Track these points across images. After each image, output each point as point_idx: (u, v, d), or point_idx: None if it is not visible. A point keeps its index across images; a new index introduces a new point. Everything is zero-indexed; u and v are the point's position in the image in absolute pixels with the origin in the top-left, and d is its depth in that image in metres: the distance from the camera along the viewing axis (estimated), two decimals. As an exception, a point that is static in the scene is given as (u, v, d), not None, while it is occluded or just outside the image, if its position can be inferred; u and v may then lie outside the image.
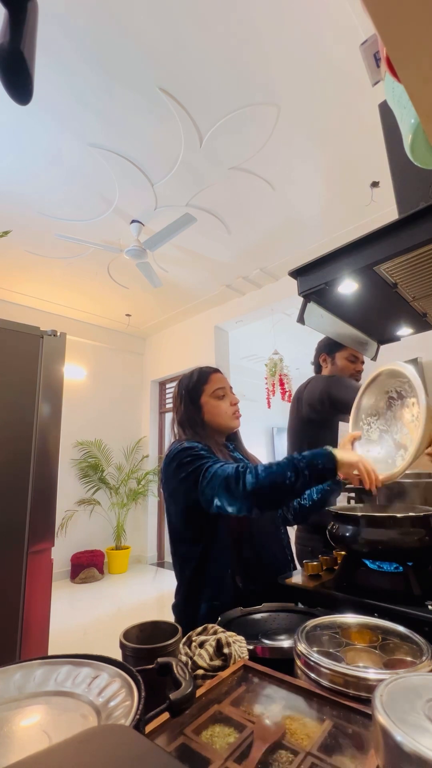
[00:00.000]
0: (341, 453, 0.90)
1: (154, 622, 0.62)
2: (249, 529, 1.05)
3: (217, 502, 0.89)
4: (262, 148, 2.47)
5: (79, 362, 5.06)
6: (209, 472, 0.92)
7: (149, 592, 3.95)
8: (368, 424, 1.05)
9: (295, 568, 1.15)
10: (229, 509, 0.88)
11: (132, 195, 2.85)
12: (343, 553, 0.99)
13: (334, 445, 1.35)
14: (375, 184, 2.78)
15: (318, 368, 1.81)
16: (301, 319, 1.06)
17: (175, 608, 1.04)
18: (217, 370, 1.20)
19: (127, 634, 0.58)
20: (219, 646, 0.61)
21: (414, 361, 2.81)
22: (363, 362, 1.71)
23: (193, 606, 0.97)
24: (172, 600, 1.06)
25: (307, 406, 1.63)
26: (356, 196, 2.90)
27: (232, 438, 1.22)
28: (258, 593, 0.96)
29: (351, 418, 1.09)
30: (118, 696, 0.38)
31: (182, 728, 0.46)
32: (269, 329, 5.00)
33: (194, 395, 1.12)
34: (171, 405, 1.23)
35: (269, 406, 4.66)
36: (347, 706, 0.47)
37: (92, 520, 4.82)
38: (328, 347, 1.74)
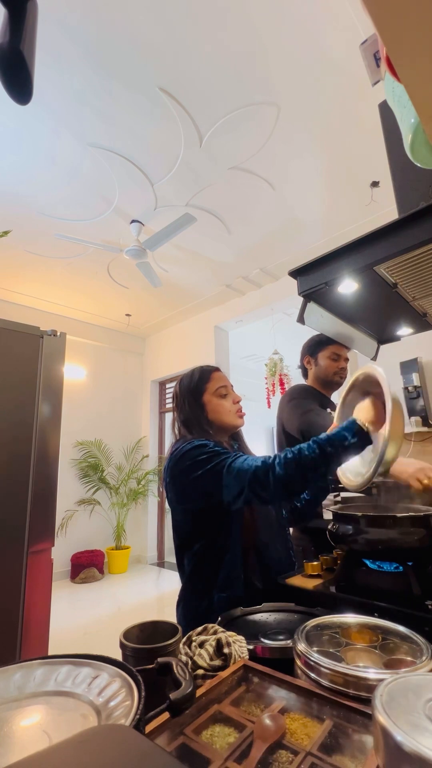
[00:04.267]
0: (363, 416, 0.89)
1: (154, 622, 0.62)
2: (256, 529, 1.05)
3: (247, 494, 0.88)
4: (262, 148, 2.47)
5: (79, 362, 5.06)
6: (234, 466, 0.90)
7: (149, 592, 3.95)
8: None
9: (299, 567, 1.16)
10: (260, 501, 0.88)
11: (132, 195, 2.85)
12: (343, 552, 0.99)
13: None
14: (375, 184, 2.78)
15: (304, 371, 1.82)
16: (301, 319, 1.06)
17: (181, 604, 1.03)
18: (217, 369, 1.19)
19: (127, 634, 0.58)
20: (219, 646, 0.61)
21: (414, 361, 2.81)
22: (347, 359, 1.72)
23: (202, 600, 0.97)
24: (172, 600, 1.05)
25: (289, 434, 1.63)
26: (356, 196, 2.90)
27: (235, 437, 1.21)
28: (264, 591, 0.97)
29: (336, 415, 1.11)
30: (118, 696, 0.38)
31: (182, 728, 0.46)
32: (269, 329, 5.00)
33: (196, 394, 1.11)
34: (171, 405, 1.22)
35: (269, 406, 4.65)
36: (347, 706, 0.47)
37: (92, 520, 4.82)
38: (311, 348, 1.76)
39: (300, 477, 0.85)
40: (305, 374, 1.81)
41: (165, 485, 1.07)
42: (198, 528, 1.01)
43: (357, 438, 0.86)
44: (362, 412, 0.92)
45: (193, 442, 1.00)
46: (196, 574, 1.01)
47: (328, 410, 1.58)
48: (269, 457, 0.90)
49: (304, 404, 1.58)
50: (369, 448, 0.91)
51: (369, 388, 1.02)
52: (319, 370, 1.71)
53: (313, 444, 0.87)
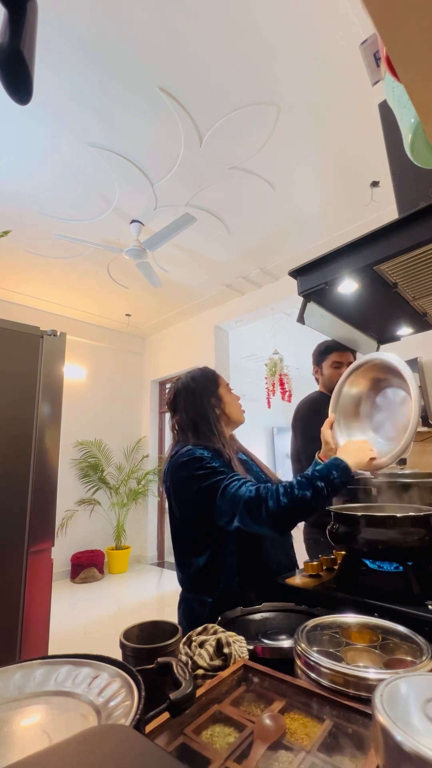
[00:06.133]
0: (351, 458, 0.92)
1: (154, 622, 0.62)
2: (258, 538, 1.05)
3: (237, 522, 0.89)
4: (262, 148, 2.47)
5: (79, 362, 5.06)
6: (228, 491, 0.90)
7: (149, 592, 3.95)
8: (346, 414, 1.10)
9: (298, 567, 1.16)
10: (250, 530, 0.89)
11: (132, 195, 2.85)
12: (343, 552, 0.99)
13: None
14: (375, 184, 2.78)
15: (316, 379, 1.93)
16: (301, 319, 1.06)
17: (182, 607, 1.04)
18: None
19: (127, 634, 0.58)
20: (219, 645, 0.61)
21: (414, 361, 2.80)
22: (349, 363, 1.76)
23: (204, 607, 0.97)
24: (172, 600, 1.06)
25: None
26: (356, 196, 2.90)
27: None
28: (264, 591, 0.97)
29: (331, 402, 1.14)
30: (118, 696, 0.38)
31: (182, 728, 0.46)
32: (269, 329, 5.00)
33: (213, 388, 1.14)
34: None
35: (269, 406, 4.66)
36: (347, 706, 0.47)
37: (92, 520, 4.82)
38: (316, 358, 1.87)
39: (291, 512, 0.86)
40: (317, 380, 1.93)
41: (165, 489, 1.07)
42: (198, 538, 1.01)
43: (346, 479, 0.90)
44: (352, 455, 0.94)
45: (192, 452, 0.99)
46: (196, 582, 1.02)
47: None
48: (264, 487, 0.89)
49: (309, 429, 1.65)
50: (370, 431, 0.96)
51: (379, 375, 1.03)
52: (325, 379, 1.82)
53: (306, 481, 0.88)
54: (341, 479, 0.89)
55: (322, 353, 1.82)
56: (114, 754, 0.26)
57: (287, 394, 4.30)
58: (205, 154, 2.51)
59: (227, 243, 3.49)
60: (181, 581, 1.07)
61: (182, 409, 1.13)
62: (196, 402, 1.11)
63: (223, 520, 0.91)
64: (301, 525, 1.79)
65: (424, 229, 0.79)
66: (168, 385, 5.68)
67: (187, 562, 1.04)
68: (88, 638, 2.87)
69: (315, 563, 1.00)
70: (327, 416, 1.60)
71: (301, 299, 1.04)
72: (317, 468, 0.92)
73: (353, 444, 0.98)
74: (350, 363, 1.73)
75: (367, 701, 0.43)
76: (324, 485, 0.87)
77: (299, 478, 0.90)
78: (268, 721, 0.45)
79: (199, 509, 0.96)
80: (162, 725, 0.45)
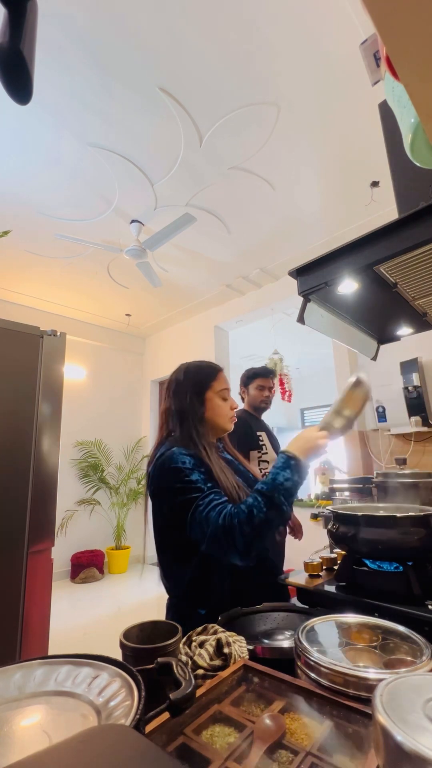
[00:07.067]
0: (301, 449, 0.90)
1: (154, 622, 0.62)
2: None
3: (205, 549, 0.87)
4: (262, 148, 2.47)
5: (79, 362, 5.05)
6: (198, 514, 0.86)
7: (149, 592, 3.95)
8: None
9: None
10: (219, 557, 0.86)
11: (132, 195, 2.85)
12: (343, 552, 0.99)
13: None
14: (375, 184, 2.78)
15: (242, 398, 2.23)
16: (301, 319, 1.06)
17: (171, 613, 1.01)
18: (222, 369, 1.15)
19: (127, 634, 0.58)
20: (219, 645, 0.61)
21: (414, 361, 2.81)
22: (271, 388, 2.18)
23: (193, 615, 0.94)
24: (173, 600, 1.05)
25: None
26: (356, 196, 2.90)
27: (221, 438, 1.19)
28: (264, 590, 0.96)
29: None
30: (118, 696, 0.38)
31: (182, 728, 0.46)
32: (269, 329, 5.00)
33: (200, 388, 1.07)
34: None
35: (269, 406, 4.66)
36: (347, 705, 0.47)
37: (92, 520, 4.82)
38: (244, 381, 2.20)
39: (260, 536, 0.81)
40: (243, 400, 2.23)
41: (150, 491, 1.02)
42: (183, 545, 0.96)
43: (296, 473, 0.86)
44: (301, 446, 0.91)
45: (174, 459, 0.95)
46: (185, 593, 0.98)
47: (258, 433, 1.96)
48: (230, 515, 0.83)
49: (243, 443, 1.93)
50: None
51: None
52: (250, 398, 2.16)
53: (264, 500, 0.83)
54: (294, 480, 0.85)
55: (250, 377, 2.16)
56: (114, 754, 0.26)
57: (287, 394, 4.30)
58: (205, 154, 2.51)
59: (227, 243, 3.49)
60: (169, 589, 1.03)
61: (171, 398, 1.09)
62: (180, 396, 1.07)
63: (193, 537, 0.89)
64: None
65: (424, 229, 0.79)
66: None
67: (174, 571, 1.00)
68: (88, 638, 2.87)
69: (315, 563, 1.00)
70: (253, 431, 1.76)
71: (301, 299, 1.04)
72: (270, 479, 0.87)
73: (303, 434, 0.94)
74: (271, 387, 2.11)
75: (367, 701, 0.43)
76: (283, 497, 0.83)
77: (258, 498, 0.84)
78: (268, 721, 0.45)
79: (180, 519, 0.91)
80: (162, 725, 0.45)
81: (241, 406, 2.18)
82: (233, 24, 1.78)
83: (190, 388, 1.07)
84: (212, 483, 0.93)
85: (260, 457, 1.98)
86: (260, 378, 2.16)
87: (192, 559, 0.95)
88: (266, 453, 2.02)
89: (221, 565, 0.95)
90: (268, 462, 1.97)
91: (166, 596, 1.06)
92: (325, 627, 0.64)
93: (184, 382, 1.09)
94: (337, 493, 2.67)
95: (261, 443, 2.01)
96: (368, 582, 0.88)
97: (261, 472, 1.85)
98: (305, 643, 0.57)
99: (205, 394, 1.07)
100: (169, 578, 1.02)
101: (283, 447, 0.95)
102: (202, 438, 1.03)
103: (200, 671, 0.58)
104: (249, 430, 2.01)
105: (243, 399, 2.22)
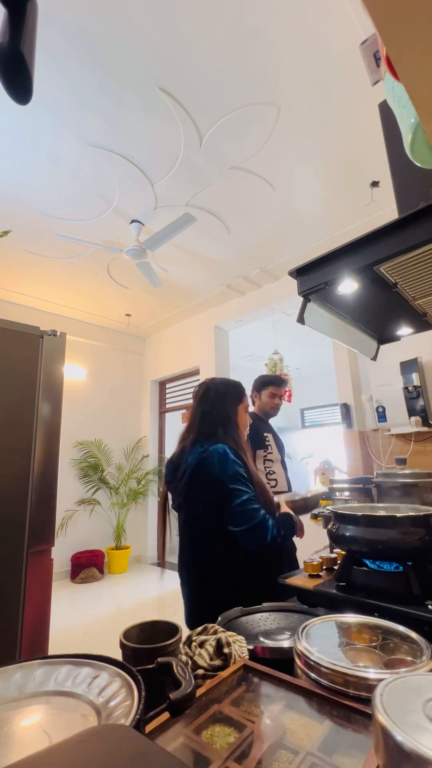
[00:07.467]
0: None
1: (154, 622, 0.62)
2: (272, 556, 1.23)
3: (240, 534, 1.08)
4: (262, 148, 2.47)
5: (79, 362, 5.05)
6: (246, 504, 1.10)
7: (149, 592, 3.95)
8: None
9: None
10: (246, 547, 1.10)
11: (132, 195, 2.85)
12: (343, 552, 0.99)
13: None
14: (375, 184, 2.78)
15: (252, 402, 2.28)
16: (301, 319, 1.06)
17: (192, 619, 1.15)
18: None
19: (127, 634, 0.58)
20: (219, 645, 0.61)
21: (414, 361, 2.81)
22: (281, 396, 2.28)
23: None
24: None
25: None
26: (356, 196, 2.90)
27: None
28: (264, 591, 1.06)
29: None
30: (118, 696, 0.38)
31: (182, 728, 0.46)
32: (269, 329, 5.00)
33: (237, 401, 1.32)
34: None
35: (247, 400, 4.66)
36: (347, 705, 0.47)
37: (92, 520, 4.82)
38: (257, 386, 2.29)
39: (271, 548, 1.10)
40: (253, 403, 2.31)
41: (185, 483, 1.17)
42: (222, 537, 1.12)
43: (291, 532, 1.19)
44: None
45: (227, 452, 1.14)
46: (215, 598, 1.11)
47: (264, 434, 2.13)
48: (266, 523, 1.09)
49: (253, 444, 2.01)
50: None
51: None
52: (261, 404, 2.26)
53: (277, 528, 1.12)
54: (287, 533, 1.15)
55: (264, 384, 2.26)
56: (114, 754, 0.26)
57: (287, 394, 4.29)
58: (205, 154, 2.51)
59: (227, 243, 3.49)
60: (196, 583, 1.16)
61: (212, 403, 1.28)
62: (224, 404, 1.28)
63: (234, 525, 1.08)
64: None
65: (424, 229, 0.79)
66: (168, 385, 5.67)
67: (205, 576, 1.15)
68: (88, 638, 2.87)
69: (315, 563, 1.00)
70: (260, 432, 2.04)
71: (301, 299, 1.04)
72: (280, 520, 1.16)
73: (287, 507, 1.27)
74: (281, 396, 2.28)
75: (367, 701, 0.43)
76: (283, 534, 1.13)
77: (277, 525, 1.12)
78: (268, 721, 0.45)
79: (222, 508, 1.11)
80: (162, 725, 0.45)
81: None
82: (233, 24, 1.78)
83: (232, 399, 1.30)
84: (250, 482, 1.16)
85: (266, 456, 2.10)
86: (273, 386, 2.26)
87: (228, 555, 1.13)
88: (271, 453, 2.13)
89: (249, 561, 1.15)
90: (272, 461, 2.11)
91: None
92: (325, 627, 0.64)
93: (227, 393, 1.30)
94: (337, 493, 2.67)
95: (267, 444, 2.14)
96: (368, 582, 0.88)
97: (265, 470, 2.03)
98: (305, 643, 0.57)
99: (238, 407, 1.31)
100: (199, 570, 1.16)
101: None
102: (240, 441, 1.25)
103: (200, 671, 0.58)
104: (257, 431, 2.11)
105: (254, 402, 2.31)
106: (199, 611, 1.15)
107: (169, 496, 1.34)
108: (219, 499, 1.11)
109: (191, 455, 1.19)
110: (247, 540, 1.07)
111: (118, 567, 4.62)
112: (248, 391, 2.34)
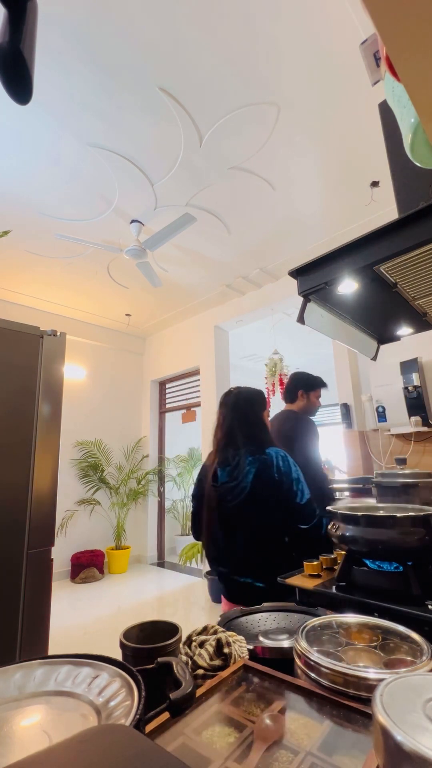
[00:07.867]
0: None
1: (154, 622, 0.62)
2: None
3: (302, 513, 1.28)
4: (262, 148, 2.47)
5: (79, 362, 5.06)
6: (306, 493, 1.31)
7: (149, 592, 3.95)
8: None
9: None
10: (297, 521, 1.29)
11: (132, 195, 2.85)
12: (343, 552, 0.99)
13: None
14: (375, 184, 2.78)
15: (293, 397, 2.26)
16: (301, 319, 1.06)
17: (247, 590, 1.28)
18: None
19: (127, 634, 0.58)
20: (219, 645, 0.61)
21: (414, 361, 2.81)
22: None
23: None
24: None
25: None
26: (356, 196, 2.90)
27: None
28: (265, 591, 1.22)
29: None
30: (118, 696, 0.38)
31: (182, 728, 0.46)
32: (269, 329, 5.00)
33: (261, 409, 1.46)
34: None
35: (269, 406, 4.66)
36: (347, 705, 0.47)
37: (92, 520, 4.82)
38: (307, 385, 2.26)
39: (315, 536, 1.27)
40: (292, 399, 2.26)
41: (250, 480, 1.29)
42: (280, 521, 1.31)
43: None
44: None
45: (284, 452, 1.35)
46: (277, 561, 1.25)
47: None
48: (321, 520, 1.27)
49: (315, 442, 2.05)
50: None
51: None
52: (308, 404, 2.25)
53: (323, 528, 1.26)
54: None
55: (316, 385, 2.25)
56: (114, 754, 0.26)
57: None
58: (205, 154, 2.51)
59: (227, 243, 3.49)
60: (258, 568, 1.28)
61: (244, 410, 1.42)
62: (255, 409, 1.43)
63: (301, 523, 1.28)
64: None
65: (424, 229, 0.79)
66: (168, 385, 5.67)
67: (273, 551, 1.29)
68: (88, 638, 2.87)
69: (315, 563, 1.00)
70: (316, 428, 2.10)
71: (301, 299, 1.04)
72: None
73: None
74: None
75: (367, 701, 0.43)
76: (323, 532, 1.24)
77: (324, 520, 1.26)
78: (268, 721, 0.45)
79: (286, 500, 1.29)
80: (162, 725, 0.45)
81: (279, 406, 2.33)
82: (233, 24, 1.78)
83: (260, 406, 1.46)
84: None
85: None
86: (321, 389, 2.30)
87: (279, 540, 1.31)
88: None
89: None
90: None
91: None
92: (325, 627, 0.64)
93: (256, 401, 1.46)
94: (337, 493, 2.67)
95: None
96: (368, 582, 0.88)
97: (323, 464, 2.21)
98: (305, 643, 0.57)
99: (263, 413, 1.47)
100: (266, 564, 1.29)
101: None
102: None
103: (200, 671, 0.58)
104: (315, 427, 2.18)
105: (298, 399, 2.29)
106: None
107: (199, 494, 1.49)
108: (285, 498, 1.28)
109: (247, 457, 1.33)
110: (312, 534, 1.25)
111: (118, 567, 4.62)
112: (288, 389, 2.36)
